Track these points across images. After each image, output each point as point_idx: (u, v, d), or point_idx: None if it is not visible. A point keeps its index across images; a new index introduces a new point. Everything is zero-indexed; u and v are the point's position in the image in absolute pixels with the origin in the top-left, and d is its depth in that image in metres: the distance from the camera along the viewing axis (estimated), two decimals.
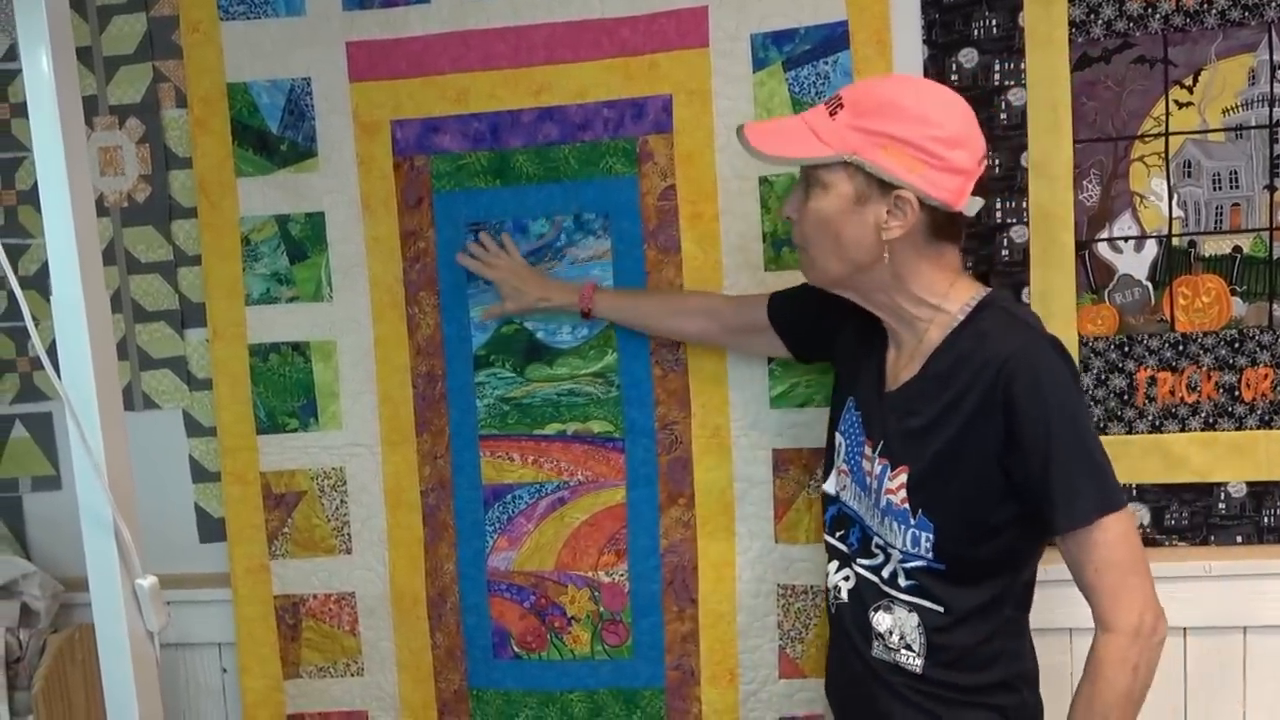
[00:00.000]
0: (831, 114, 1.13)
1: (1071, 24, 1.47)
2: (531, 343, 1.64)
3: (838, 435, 1.31)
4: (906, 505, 1.16)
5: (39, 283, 1.75)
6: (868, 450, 1.23)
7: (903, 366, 1.21)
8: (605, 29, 1.57)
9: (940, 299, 1.16)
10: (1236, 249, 1.47)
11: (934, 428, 1.14)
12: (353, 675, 1.72)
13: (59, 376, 0.88)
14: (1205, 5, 1.44)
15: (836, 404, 1.33)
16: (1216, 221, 1.47)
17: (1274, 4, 1.43)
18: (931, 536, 1.15)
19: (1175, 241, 1.48)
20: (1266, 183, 1.45)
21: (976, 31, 1.50)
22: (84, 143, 0.97)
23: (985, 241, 1.51)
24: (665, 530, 1.62)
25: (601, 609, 1.65)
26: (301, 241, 1.67)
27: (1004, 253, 1.51)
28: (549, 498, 1.65)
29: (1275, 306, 1.47)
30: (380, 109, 1.63)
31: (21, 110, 1.74)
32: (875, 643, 1.23)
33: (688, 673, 1.63)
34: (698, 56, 1.55)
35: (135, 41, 1.70)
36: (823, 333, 1.36)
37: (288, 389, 1.69)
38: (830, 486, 1.32)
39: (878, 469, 1.20)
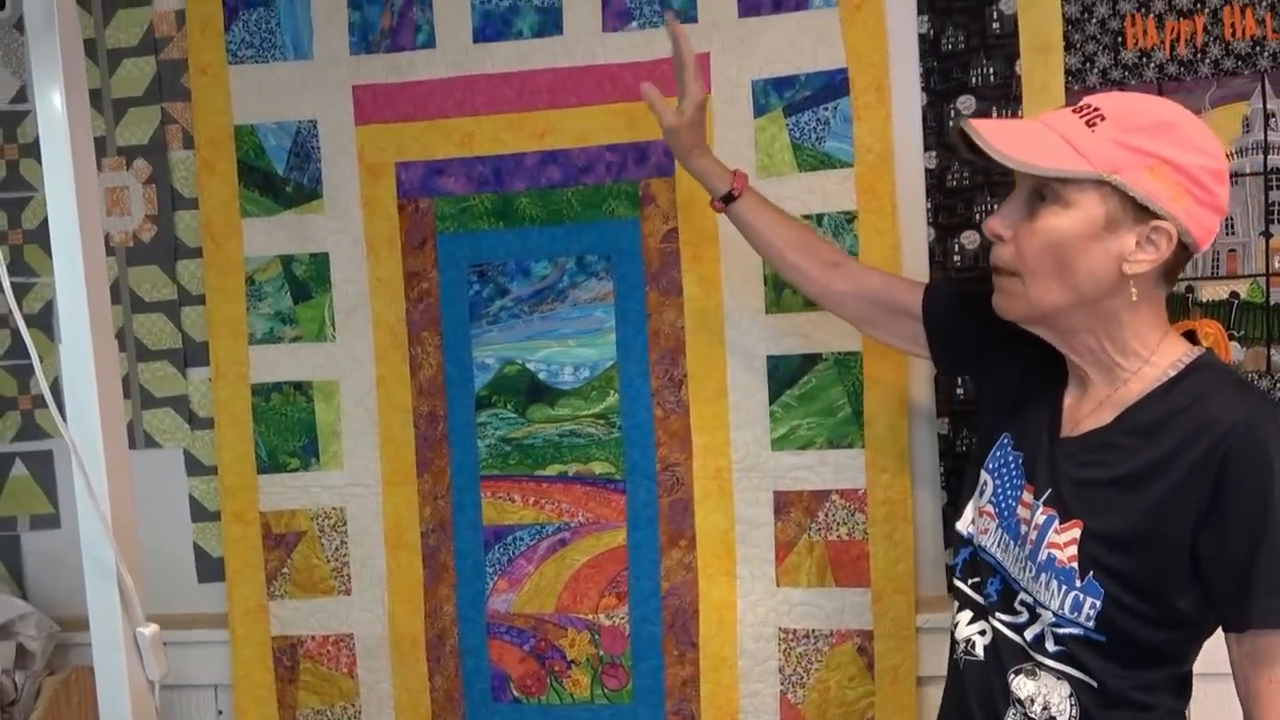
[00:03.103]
0: (1089, 124, 0.99)
1: (1068, 72, 1.50)
2: (533, 383, 1.64)
3: (983, 473, 1.15)
4: (1075, 564, 1.02)
5: (43, 321, 1.77)
6: (1027, 496, 1.08)
7: (1086, 413, 1.07)
8: (609, 74, 1.59)
9: (1151, 351, 1.03)
10: (1234, 294, 1.48)
11: (1127, 485, 1.00)
12: (350, 718, 1.70)
13: (64, 419, 0.88)
14: (1198, 54, 1.47)
15: (983, 438, 1.18)
16: (1214, 267, 1.48)
17: (1266, 54, 1.46)
18: (1099, 604, 1.00)
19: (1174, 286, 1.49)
20: (1262, 229, 1.47)
21: (974, 79, 1.52)
22: (95, 183, 0.98)
23: (985, 284, 1.52)
24: (666, 573, 1.61)
25: (601, 652, 1.64)
26: (305, 281, 1.69)
27: None
28: (550, 539, 1.65)
29: (1273, 351, 1.48)
30: (385, 151, 1.65)
31: (29, 151, 1.76)
32: (1012, 709, 1.08)
33: (688, 718, 1.61)
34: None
35: (144, 84, 1.72)
36: (981, 349, 1.21)
37: (289, 428, 1.70)
38: (965, 527, 1.17)
39: (1040, 519, 1.05)
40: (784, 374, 1.58)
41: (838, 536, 1.57)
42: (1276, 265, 1.47)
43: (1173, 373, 1.02)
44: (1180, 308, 1.49)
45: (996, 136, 1.00)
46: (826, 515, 1.58)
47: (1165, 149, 0.96)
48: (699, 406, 1.60)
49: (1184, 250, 1.00)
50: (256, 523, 1.70)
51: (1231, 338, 1.48)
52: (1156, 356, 1.03)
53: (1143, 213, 0.97)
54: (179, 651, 1.59)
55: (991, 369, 1.20)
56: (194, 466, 1.76)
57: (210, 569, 1.76)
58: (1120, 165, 0.96)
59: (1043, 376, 1.12)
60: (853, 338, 1.55)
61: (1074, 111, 1.02)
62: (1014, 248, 1.03)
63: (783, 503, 1.58)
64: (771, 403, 1.58)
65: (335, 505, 1.69)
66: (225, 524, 1.71)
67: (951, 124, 1.05)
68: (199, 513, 1.76)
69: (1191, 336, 1.07)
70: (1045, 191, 1.00)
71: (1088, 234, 0.98)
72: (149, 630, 0.91)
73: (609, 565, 1.63)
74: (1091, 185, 0.97)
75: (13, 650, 1.61)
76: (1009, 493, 1.11)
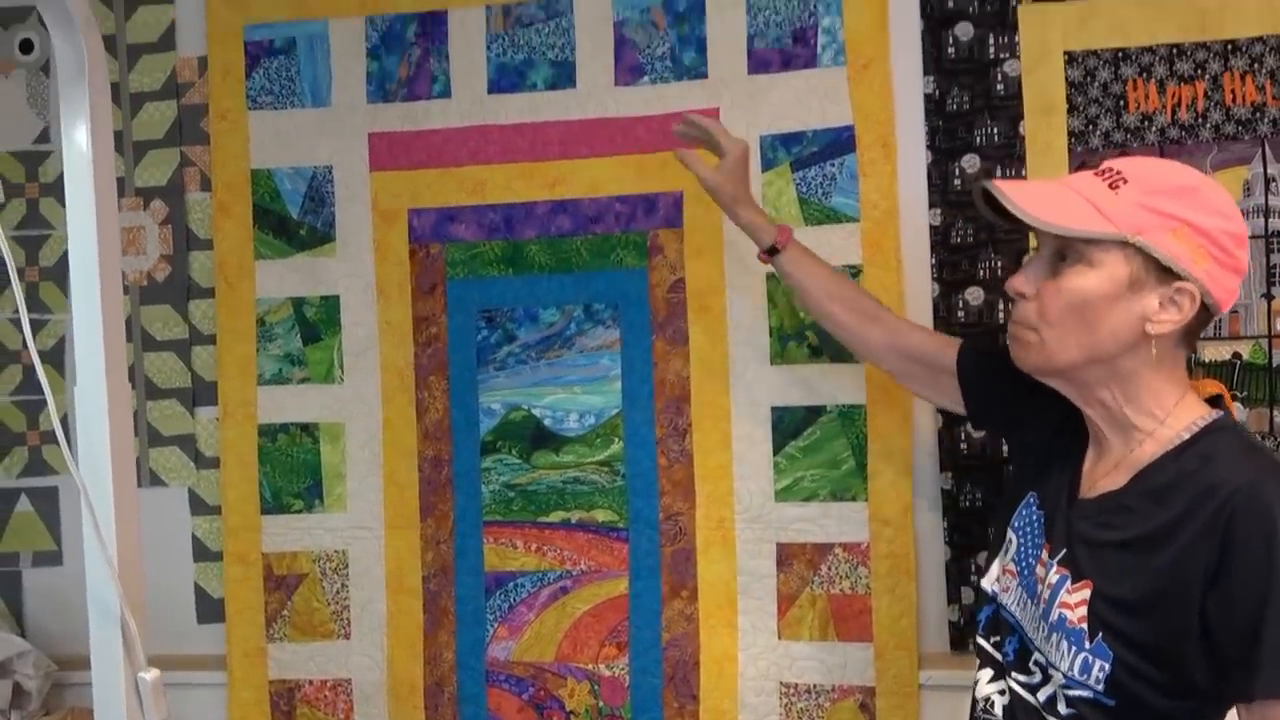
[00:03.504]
0: (1112, 186, 1.01)
1: (1071, 134, 1.52)
2: (539, 430, 1.65)
3: (1009, 531, 1.15)
4: (1085, 625, 1.01)
5: (55, 358, 1.78)
6: (1044, 555, 1.09)
7: (1102, 475, 1.07)
8: (620, 127, 1.62)
9: (1166, 413, 1.03)
10: (1236, 355, 1.49)
11: (1137, 549, 1.00)
12: None
13: (74, 458, 0.89)
14: (1200, 119, 1.50)
15: (1014, 495, 1.18)
16: (1215, 328, 1.49)
17: (1266, 120, 1.48)
18: (1108, 667, 0.99)
19: None
20: (1264, 291, 1.48)
21: (979, 138, 1.55)
22: (116, 226, 0.99)
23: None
24: (667, 623, 1.61)
25: (601, 704, 1.62)
26: (316, 324, 1.70)
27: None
28: (551, 586, 1.64)
29: (1276, 413, 1.48)
30: (399, 198, 1.68)
31: (49, 190, 1.79)
32: None
33: None
34: (709, 156, 1.59)
35: (165, 127, 1.76)
36: (1015, 407, 1.21)
37: (294, 470, 1.70)
38: (990, 584, 1.17)
39: (1054, 578, 1.05)
40: (788, 425, 1.58)
41: (840, 590, 1.57)
42: (1278, 327, 1.48)
43: (1186, 435, 1.02)
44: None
45: (1021, 197, 1.02)
46: (829, 568, 1.57)
47: (1187, 212, 0.98)
48: (703, 456, 1.60)
49: (1205, 312, 1.01)
50: (259, 564, 1.70)
51: (1234, 398, 1.49)
52: (1172, 419, 1.03)
53: (1166, 274, 0.99)
54: (176, 693, 1.57)
55: (1023, 427, 1.21)
56: (198, 506, 1.76)
57: (210, 610, 1.75)
58: (1143, 227, 0.98)
59: (1071, 436, 1.13)
60: (857, 391, 1.56)
61: (1096, 174, 1.04)
62: (1037, 305, 1.05)
63: (785, 555, 1.58)
64: (776, 454, 1.58)
65: (338, 548, 1.69)
66: (227, 564, 1.71)
67: (973, 184, 1.07)
68: (201, 552, 1.76)
69: (1216, 401, 1.07)
70: (1068, 252, 1.02)
71: (1112, 294, 1.00)
72: (150, 676, 0.91)
73: (610, 614, 1.62)
74: (1115, 246, 0.99)
75: (9, 689, 1.60)
76: (1030, 552, 1.12)
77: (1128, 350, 1.01)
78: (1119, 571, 1.01)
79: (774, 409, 1.59)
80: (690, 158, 1.41)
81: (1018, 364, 1.09)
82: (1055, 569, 1.06)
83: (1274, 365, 1.48)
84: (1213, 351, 1.49)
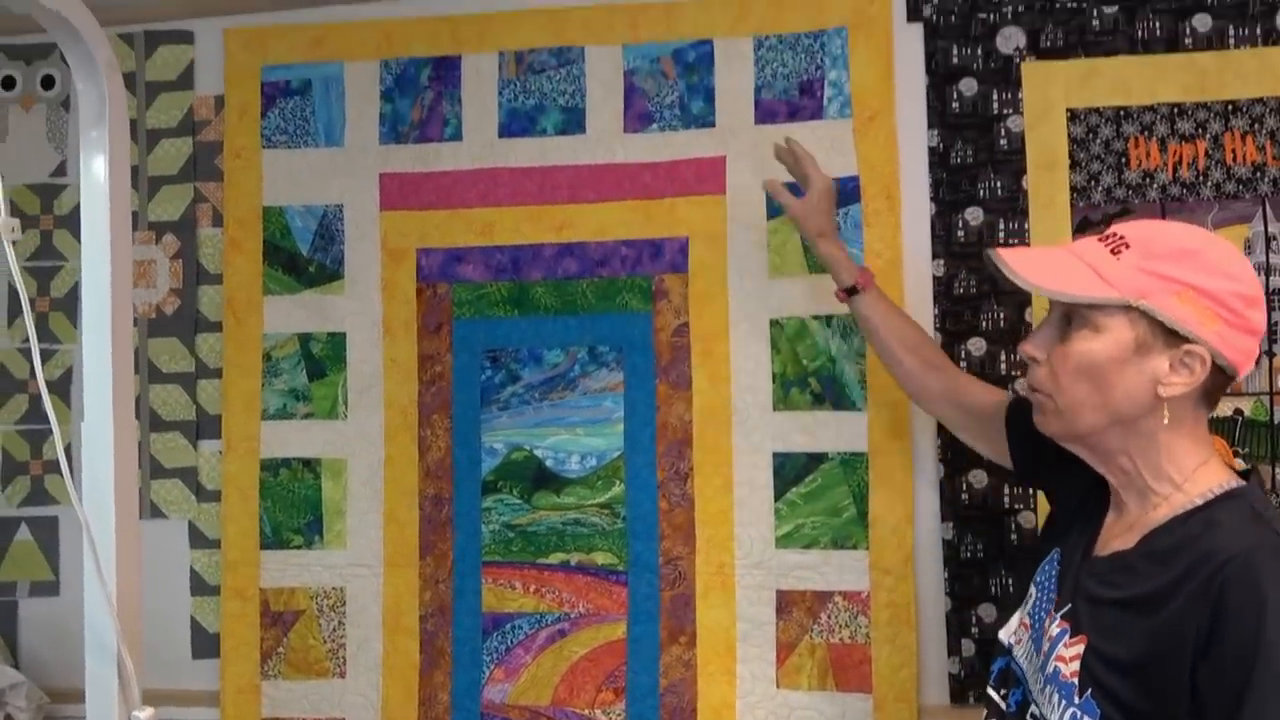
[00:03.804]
0: (1114, 252, 1.02)
1: (1073, 189, 1.54)
2: (540, 470, 1.65)
3: (1032, 585, 1.16)
4: (1076, 680, 1.01)
5: (60, 387, 1.79)
6: (1053, 609, 1.09)
7: (1117, 534, 1.07)
8: (628, 173, 1.64)
9: (1185, 477, 1.03)
10: (1238, 412, 1.49)
11: (1132, 609, 1.00)
12: None
13: (79, 496, 0.89)
14: (1201, 177, 1.52)
15: (1042, 550, 1.19)
16: None
17: (1266, 179, 1.50)
18: None
19: None
20: (1266, 349, 1.49)
21: (982, 192, 1.57)
22: (129, 258, 1.01)
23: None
24: (665, 669, 1.59)
25: None
26: (322, 360, 1.71)
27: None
28: (549, 629, 1.63)
29: (1278, 470, 1.48)
30: (407, 237, 1.70)
31: (63, 222, 1.82)
32: None
33: None
34: (715, 203, 1.62)
35: (179, 163, 1.78)
36: (1058, 465, 1.20)
37: (295, 505, 1.70)
38: (1007, 635, 1.17)
39: (1055, 631, 1.06)
40: (790, 471, 1.59)
41: (840, 639, 1.56)
42: None
43: (1200, 501, 1.01)
44: None
45: (1023, 264, 1.05)
46: (829, 617, 1.56)
47: (1190, 275, 0.99)
48: (704, 501, 1.60)
49: (1222, 374, 1.01)
50: (256, 599, 1.70)
51: (1236, 454, 1.49)
52: (1190, 484, 1.02)
53: (1174, 337, 0.99)
54: None
55: (1063, 485, 1.21)
56: (197, 539, 1.76)
57: (205, 645, 1.74)
58: (1146, 291, 0.99)
59: (1097, 497, 1.13)
60: (859, 438, 1.56)
61: (1100, 240, 1.05)
62: (1048, 369, 1.06)
63: (785, 602, 1.57)
64: (777, 500, 1.58)
65: (335, 585, 1.69)
66: (224, 599, 1.71)
67: (985, 251, 1.10)
68: (199, 586, 1.75)
69: (1247, 474, 1.07)
70: (1074, 317, 1.03)
71: (1119, 357, 1.01)
72: (144, 715, 0.90)
73: (607, 659, 1.61)
74: (1120, 310, 1.00)
75: None
76: (1043, 606, 1.12)
77: (1144, 413, 1.01)
78: (1114, 630, 1.01)
79: (776, 455, 1.59)
80: (777, 188, 1.46)
81: (1041, 430, 1.10)
82: (1059, 622, 1.06)
83: (1276, 422, 1.48)
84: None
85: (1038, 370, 1.08)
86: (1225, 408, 1.49)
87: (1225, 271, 1.00)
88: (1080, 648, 1.02)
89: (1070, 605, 1.06)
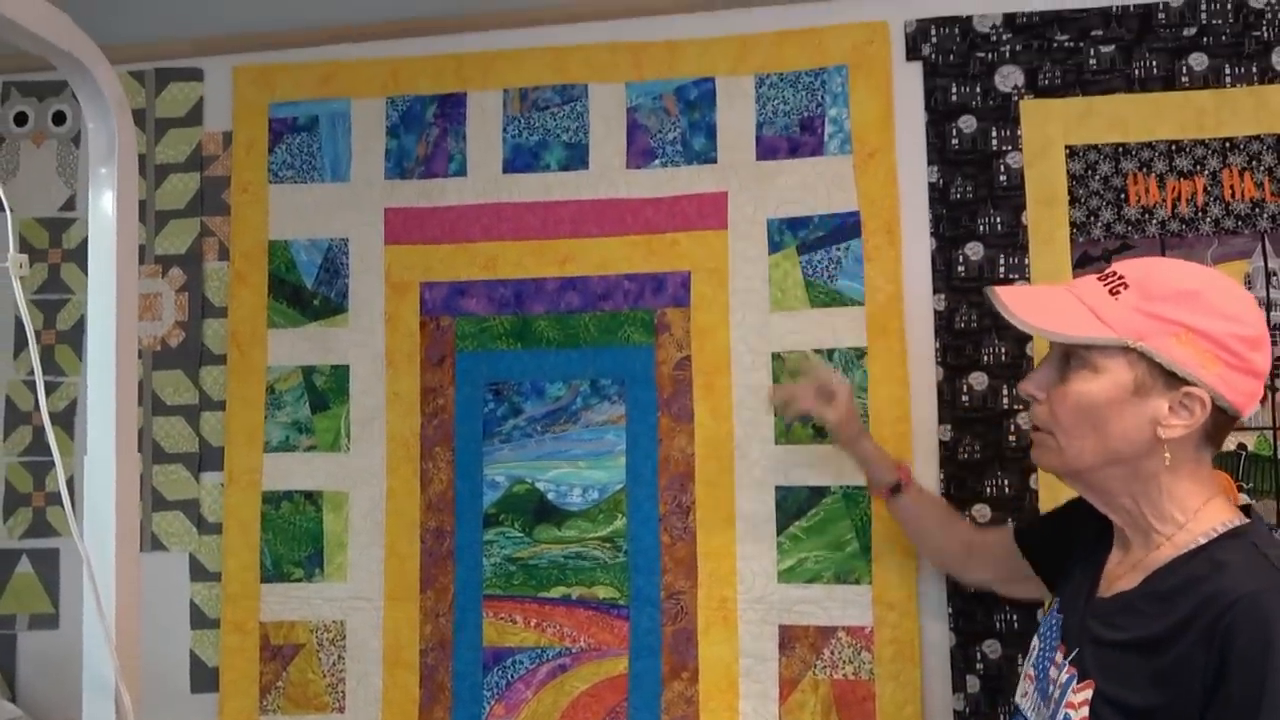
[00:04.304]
0: (1112, 292, 1.02)
1: (1073, 224, 1.55)
2: (542, 503, 1.65)
3: (1035, 638, 1.16)
4: None
5: (64, 420, 1.80)
6: (1059, 657, 1.08)
7: (1121, 575, 1.07)
8: (630, 208, 1.66)
9: (1188, 516, 1.02)
10: (1241, 446, 1.49)
11: (1139, 651, 0.99)
12: None
13: (80, 530, 0.89)
14: (1200, 213, 1.52)
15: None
16: None
17: (1265, 215, 1.51)
18: None
19: None
20: (1269, 383, 1.49)
21: (982, 227, 1.58)
22: (135, 293, 1.02)
23: (993, 426, 1.54)
24: (667, 705, 1.58)
25: None
26: (325, 392, 1.72)
27: (1010, 438, 1.54)
28: (550, 664, 1.62)
29: None
30: (411, 271, 1.71)
31: (71, 256, 1.83)
32: None
33: None
34: (717, 237, 1.63)
35: (187, 198, 1.80)
36: (1070, 541, 1.21)
37: (296, 538, 1.70)
38: (1018, 697, 1.16)
39: (1064, 678, 1.05)
40: (792, 505, 1.58)
41: (843, 675, 1.54)
42: None
43: (1204, 540, 1.00)
44: None
45: (1021, 304, 1.05)
46: (832, 652, 1.55)
47: (1189, 317, 0.98)
48: (706, 534, 1.59)
49: (1224, 414, 1.00)
50: (256, 633, 1.69)
51: (1241, 489, 1.49)
52: (1193, 523, 1.02)
53: (1173, 379, 0.98)
54: None
55: (1075, 556, 1.19)
56: (198, 572, 1.75)
57: (204, 679, 1.73)
58: (1144, 333, 0.99)
59: (1096, 539, 1.13)
60: (861, 472, 1.56)
61: (1099, 279, 1.05)
62: (1048, 408, 1.06)
63: (788, 637, 1.56)
64: (779, 534, 1.58)
65: (336, 618, 1.68)
66: (224, 633, 1.70)
67: (985, 290, 1.12)
68: (198, 619, 1.74)
69: (1248, 509, 1.05)
70: (1073, 357, 1.03)
71: (1118, 398, 1.00)
72: None
73: (608, 695, 1.60)
74: (1119, 351, 1.00)
75: None
76: (1046, 654, 1.11)
77: (1145, 454, 1.01)
78: (1121, 673, 0.99)
79: (778, 488, 1.59)
80: (807, 397, 1.45)
81: (1039, 466, 1.11)
82: (1066, 669, 1.05)
83: (1279, 458, 1.48)
84: None
85: (1038, 408, 1.08)
86: (1229, 442, 1.48)
87: (1225, 313, 0.99)
88: (1088, 693, 1.00)
89: (1077, 650, 1.05)
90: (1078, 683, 1.02)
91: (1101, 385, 1.01)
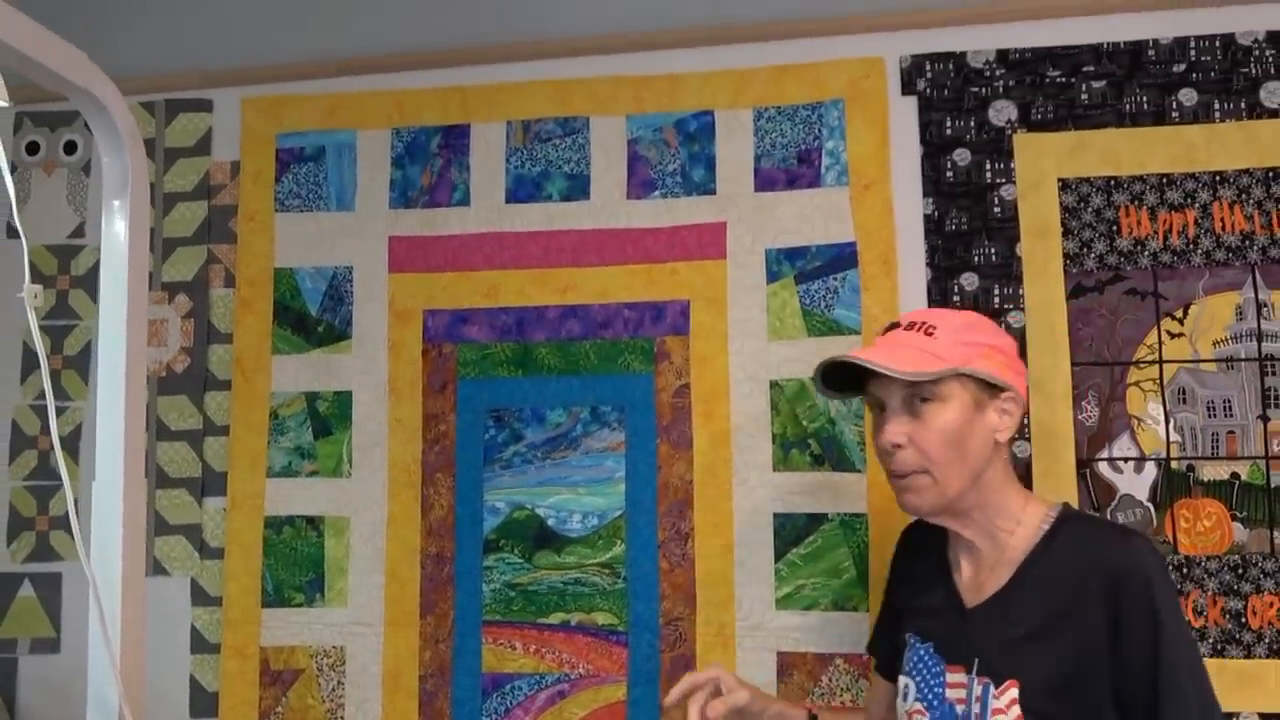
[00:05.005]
0: (927, 334, 1.18)
1: (1066, 255, 1.57)
2: (542, 529, 1.66)
3: (903, 678, 1.23)
4: None
5: (69, 445, 1.81)
6: (954, 677, 1.16)
7: (982, 581, 1.17)
8: (631, 238, 1.68)
9: (1020, 510, 1.18)
10: (1235, 475, 1.50)
11: (1043, 637, 1.10)
12: None
13: (87, 554, 0.91)
14: (1191, 245, 1.55)
15: (890, 653, 1.30)
16: (1213, 447, 1.51)
17: (1255, 247, 1.53)
18: None
19: (1174, 464, 1.52)
20: (1260, 413, 1.51)
21: (977, 258, 1.60)
22: (145, 320, 1.04)
23: None
24: None
25: None
26: (327, 418, 1.74)
27: None
28: (549, 690, 1.63)
29: (1276, 534, 1.49)
30: (414, 299, 1.73)
31: (80, 282, 1.86)
32: None
33: None
34: (716, 267, 1.66)
35: (195, 226, 1.83)
36: (893, 615, 1.33)
37: (298, 562, 1.71)
38: None
39: (978, 689, 1.12)
40: (790, 532, 1.59)
41: (842, 703, 1.55)
42: (1275, 448, 1.50)
43: (1045, 526, 1.16)
44: (1182, 486, 1.51)
45: (883, 360, 1.15)
46: (830, 680, 1.56)
47: (985, 338, 1.18)
48: (704, 561, 1.61)
49: (1022, 409, 1.20)
50: (256, 658, 1.69)
51: (1234, 518, 1.50)
52: (1025, 514, 1.18)
53: (993, 389, 1.16)
54: None
55: (897, 619, 1.31)
56: (199, 596, 1.76)
57: (204, 704, 1.73)
58: (968, 358, 1.15)
59: (922, 577, 1.25)
60: (858, 500, 1.57)
61: (908, 329, 1.20)
62: (914, 449, 1.16)
63: (786, 664, 1.57)
64: (777, 561, 1.59)
65: (336, 644, 1.69)
66: (224, 657, 1.70)
67: (815, 371, 1.25)
68: (199, 644, 1.75)
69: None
70: (922, 395, 1.15)
71: (968, 418, 1.15)
72: None
73: None
74: (954, 379, 1.15)
75: None
76: (932, 683, 1.18)
77: (987, 463, 1.16)
78: (1034, 662, 1.10)
79: (776, 515, 1.60)
80: (721, 707, 1.25)
81: (914, 513, 1.20)
82: (977, 682, 1.13)
83: (1272, 485, 1.49)
84: (1211, 471, 1.51)
85: (903, 454, 1.17)
86: (1222, 471, 1.51)
87: (997, 332, 1.22)
88: (1014, 692, 1.10)
89: (980, 660, 1.13)
90: (996, 688, 1.10)
91: (954, 410, 1.15)
